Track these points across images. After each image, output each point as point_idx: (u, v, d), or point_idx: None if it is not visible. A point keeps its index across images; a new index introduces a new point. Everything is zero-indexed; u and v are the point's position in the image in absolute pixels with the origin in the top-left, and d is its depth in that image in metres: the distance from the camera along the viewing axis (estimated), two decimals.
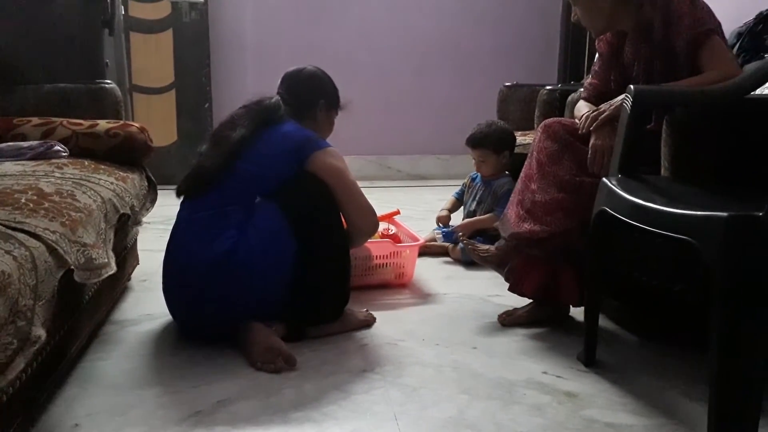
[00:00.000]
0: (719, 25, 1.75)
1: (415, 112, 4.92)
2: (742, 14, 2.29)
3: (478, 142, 2.69)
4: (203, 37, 4.30)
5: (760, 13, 2.24)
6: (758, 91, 1.71)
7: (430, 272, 2.45)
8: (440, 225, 2.78)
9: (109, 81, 2.49)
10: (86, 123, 2.07)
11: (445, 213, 2.81)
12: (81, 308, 1.50)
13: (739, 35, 2.24)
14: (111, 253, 1.51)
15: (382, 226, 2.50)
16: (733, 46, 2.20)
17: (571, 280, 1.81)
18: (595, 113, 1.78)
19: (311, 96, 1.94)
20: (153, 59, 4.22)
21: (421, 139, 4.95)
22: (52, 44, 2.64)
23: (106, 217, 1.58)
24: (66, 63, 2.63)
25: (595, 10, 1.84)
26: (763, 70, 1.78)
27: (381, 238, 2.39)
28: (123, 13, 3.41)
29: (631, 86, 1.58)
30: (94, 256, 1.35)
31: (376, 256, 2.20)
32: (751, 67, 1.91)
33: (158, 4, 4.18)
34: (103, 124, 2.08)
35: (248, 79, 4.53)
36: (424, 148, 4.97)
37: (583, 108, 1.94)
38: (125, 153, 2.04)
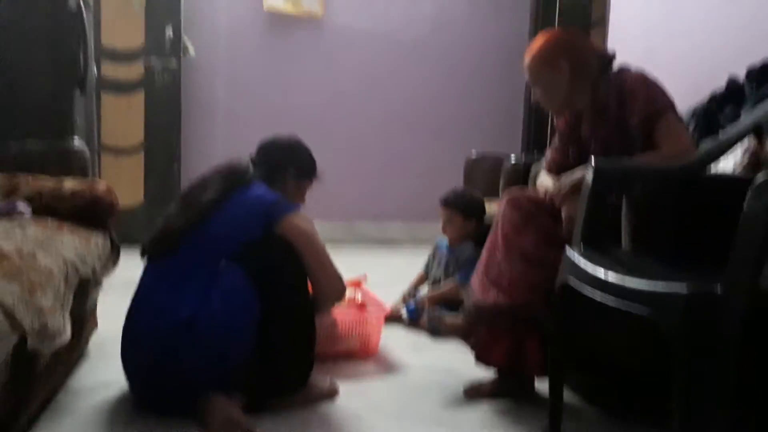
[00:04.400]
0: (673, 102, 1.83)
1: (384, 177, 4.98)
2: (696, 94, 2.40)
3: (449, 201, 2.80)
4: (175, 99, 4.33)
5: (714, 93, 2.36)
6: (713, 168, 1.78)
7: (396, 341, 2.42)
8: (404, 303, 2.78)
9: (77, 139, 2.48)
10: (51, 182, 2.05)
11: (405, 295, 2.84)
12: (34, 375, 1.44)
13: (694, 113, 2.34)
14: (68, 318, 1.46)
15: (349, 292, 2.48)
16: (688, 125, 2.29)
17: (537, 350, 1.80)
18: (556, 189, 1.83)
19: (282, 161, 1.97)
20: (123, 120, 4.21)
21: (388, 204, 5.00)
22: (22, 101, 2.64)
23: (67, 279, 1.54)
24: (36, 120, 2.63)
25: (553, 90, 1.92)
26: (717, 148, 1.86)
27: (348, 306, 2.36)
28: (96, 73, 3.43)
29: (593, 160, 1.63)
30: (49, 323, 1.31)
31: (342, 325, 2.17)
32: (706, 145, 1.99)
33: (132, 66, 4.21)
34: (68, 184, 2.05)
35: (218, 142, 4.56)
36: (392, 213, 5.01)
37: (544, 179, 1.99)
38: (90, 213, 2.02)
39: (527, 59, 1.95)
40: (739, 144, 1.88)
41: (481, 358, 1.88)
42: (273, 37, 4.72)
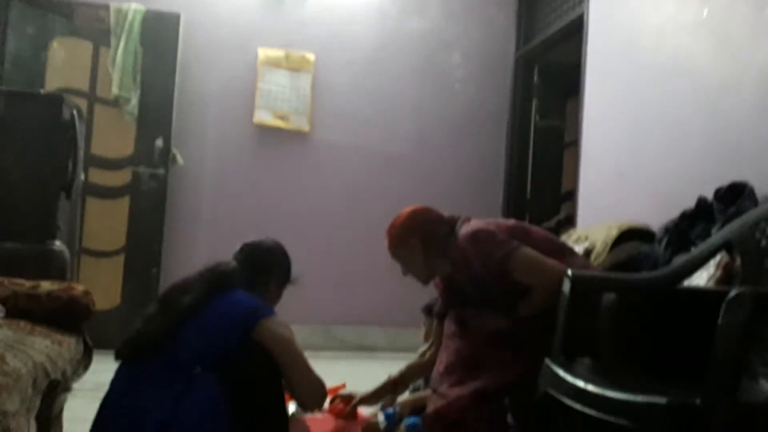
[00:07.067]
0: (507, 239, 1.95)
1: (363, 284, 4.96)
2: (666, 211, 2.49)
3: (431, 310, 2.73)
4: (160, 205, 4.37)
5: (684, 211, 2.44)
6: (686, 282, 1.82)
7: None
8: (383, 409, 2.70)
9: (58, 242, 2.48)
10: (28, 284, 2.02)
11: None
12: None
13: (666, 230, 2.41)
14: (33, 422, 1.41)
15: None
16: (660, 240, 2.36)
17: None
18: None
19: (266, 269, 1.98)
20: (106, 224, 4.23)
21: (367, 310, 4.95)
22: (7, 204, 2.66)
23: (35, 382, 1.49)
24: (19, 223, 2.63)
25: (414, 265, 2.18)
26: (691, 263, 1.90)
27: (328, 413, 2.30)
28: (83, 178, 3.48)
29: (569, 270, 1.66)
30: (12, 427, 1.26)
31: None
32: (679, 259, 2.04)
33: (119, 172, 4.29)
34: (45, 286, 2.03)
35: (200, 248, 4.55)
36: (370, 319, 4.96)
37: None
38: (65, 316, 1.98)
39: (386, 243, 2.20)
40: (711, 259, 1.93)
41: None
42: (260, 148, 4.86)
